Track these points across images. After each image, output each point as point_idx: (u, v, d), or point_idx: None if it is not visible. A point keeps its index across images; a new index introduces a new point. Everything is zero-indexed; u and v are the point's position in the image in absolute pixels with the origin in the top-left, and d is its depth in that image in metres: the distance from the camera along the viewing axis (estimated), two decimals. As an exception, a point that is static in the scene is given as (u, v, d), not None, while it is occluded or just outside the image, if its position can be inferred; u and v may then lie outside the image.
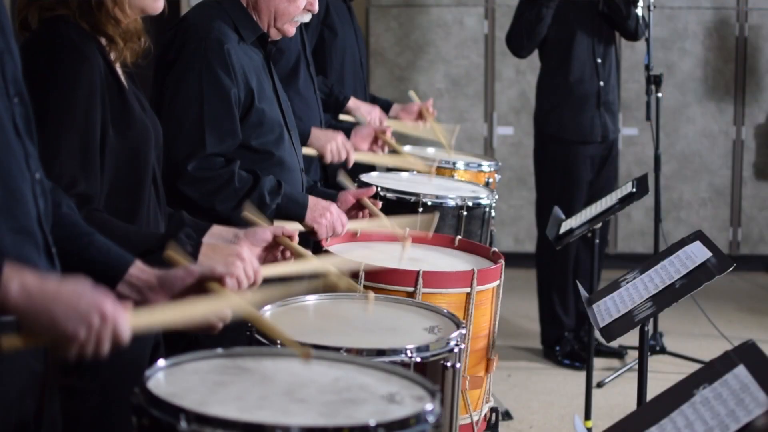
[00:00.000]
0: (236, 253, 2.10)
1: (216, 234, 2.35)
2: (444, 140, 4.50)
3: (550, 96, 5.21)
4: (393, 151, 4.08)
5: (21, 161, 1.66)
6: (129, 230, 2.10)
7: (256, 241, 2.36)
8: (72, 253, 1.85)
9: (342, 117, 4.28)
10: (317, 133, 3.58)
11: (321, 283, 2.29)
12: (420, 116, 4.64)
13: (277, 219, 2.83)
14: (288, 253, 2.42)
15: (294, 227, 2.56)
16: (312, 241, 2.96)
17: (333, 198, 3.05)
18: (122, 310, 1.59)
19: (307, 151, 3.50)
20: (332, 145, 3.56)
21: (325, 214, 2.86)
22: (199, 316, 1.79)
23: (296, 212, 2.84)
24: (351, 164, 3.66)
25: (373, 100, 4.70)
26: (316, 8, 3.00)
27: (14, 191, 1.64)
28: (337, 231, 2.88)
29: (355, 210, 3.08)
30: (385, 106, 4.68)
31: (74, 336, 1.53)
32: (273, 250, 2.42)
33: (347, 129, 3.93)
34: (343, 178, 3.28)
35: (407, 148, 4.43)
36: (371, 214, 3.05)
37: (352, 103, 4.27)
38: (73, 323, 1.53)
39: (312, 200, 2.87)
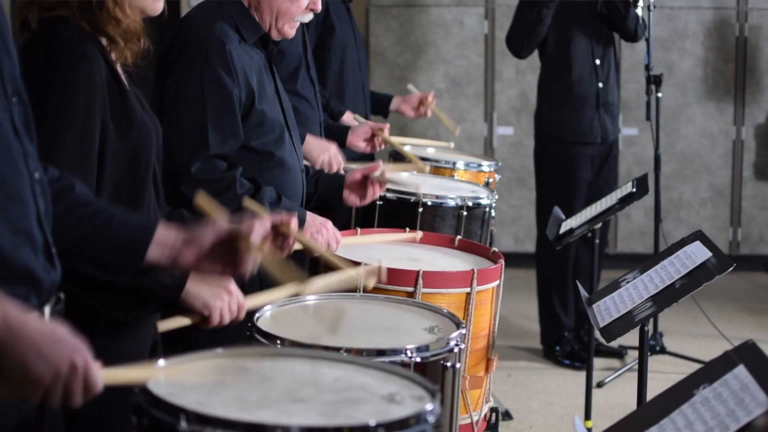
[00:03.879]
0: (224, 287, 2.12)
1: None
2: (448, 123, 4.52)
3: (550, 97, 5.21)
4: (393, 150, 4.09)
5: (19, 161, 1.66)
6: (132, 215, 2.11)
7: (259, 230, 2.34)
8: (97, 229, 1.86)
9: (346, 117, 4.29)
10: (312, 142, 3.59)
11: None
12: (421, 105, 4.65)
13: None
14: (288, 243, 2.40)
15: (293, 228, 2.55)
16: (309, 259, 2.96)
17: (344, 132, 3.08)
18: (94, 363, 1.57)
19: None
20: (324, 156, 3.57)
21: (321, 230, 2.89)
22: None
23: None
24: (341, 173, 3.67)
25: (373, 95, 4.71)
26: (319, 7, 3.00)
27: (11, 191, 1.63)
28: (331, 248, 2.89)
29: (362, 189, 3.08)
30: (385, 100, 4.68)
31: (40, 379, 1.51)
32: (274, 240, 2.39)
33: (345, 129, 3.95)
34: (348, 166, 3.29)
35: (407, 148, 4.44)
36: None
37: (347, 117, 4.27)
38: (41, 367, 1.51)
39: (309, 216, 2.90)
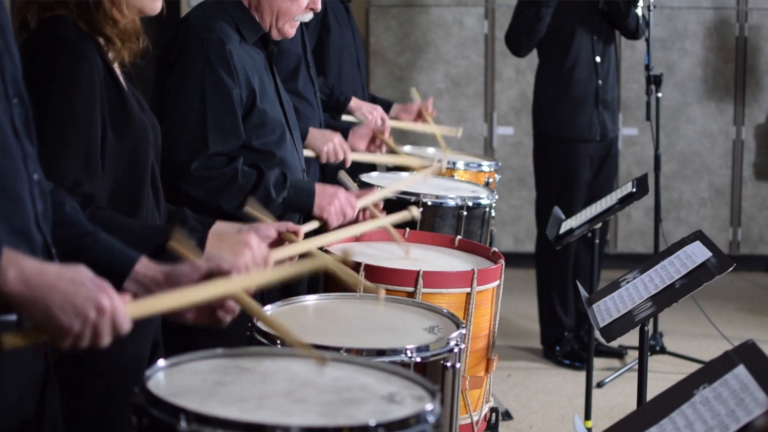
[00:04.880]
0: (244, 242, 2.09)
1: (219, 230, 2.34)
2: (441, 142, 4.50)
3: (549, 94, 5.21)
4: (392, 152, 4.07)
5: (19, 162, 1.66)
6: (135, 226, 2.09)
7: (260, 237, 2.35)
8: (77, 253, 1.84)
9: (343, 117, 4.28)
10: (315, 133, 3.57)
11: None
12: (419, 116, 4.63)
13: (285, 211, 2.80)
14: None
15: (302, 227, 2.54)
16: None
17: (345, 131, 3.11)
18: (120, 301, 1.58)
19: (304, 152, 3.50)
20: (329, 145, 3.54)
21: (333, 201, 2.80)
22: (200, 301, 1.77)
23: (304, 201, 2.81)
24: (348, 164, 3.66)
25: (373, 100, 4.70)
26: (319, 7, 2.99)
27: (10, 192, 1.63)
28: (347, 216, 2.84)
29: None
30: (386, 107, 4.67)
31: (69, 329, 1.53)
32: (277, 247, 2.40)
33: (345, 129, 3.93)
34: (343, 177, 3.27)
35: (407, 148, 4.44)
36: (372, 215, 3.01)
37: (354, 103, 4.26)
38: (69, 316, 1.52)
39: (319, 188, 2.83)
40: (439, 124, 4.80)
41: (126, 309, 1.59)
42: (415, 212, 2.42)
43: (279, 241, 2.40)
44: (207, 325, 1.86)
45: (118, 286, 1.83)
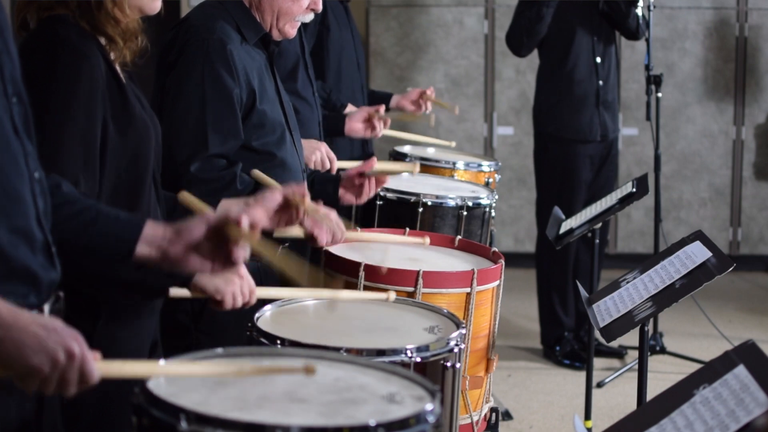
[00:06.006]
0: (234, 271, 2.10)
1: (226, 206, 2.33)
2: (447, 106, 4.56)
3: (550, 95, 5.21)
4: (395, 155, 4.10)
5: (20, 160, 1.66)
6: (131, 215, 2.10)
7: (268, 204, 2.33)
8: (83, 227, 1.84)
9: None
10: (302, 144, 3.59)
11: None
12: (420, 99, 4.66)
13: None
14: (300, 214, 2.37)
15: (295, 232, 2.54)
16: (310, 249, 2.94)
17: (341, 120, 3.23)
18: (90, 352, 1.56)
19: None
20: (316, 155, 3.55)
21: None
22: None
23: None
24: (334, 172, 3.66)
25: (372, 94, 4.71)
26: (320, 7, 3.00)
27: (11, 190, 1.64)
28: (336, 238, 2.85)
29: (359, 187, 3.01)
30: (385, 98, 4.68)
31: (38, 369, 1.51)
32: (287, 212, 2.37)
33: (342, 117, 3.98)
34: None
35: (407, 148, 4.44)
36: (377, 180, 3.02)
37: (349, 110, 4.28)
38: (39, 357, 1.51)
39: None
40: (438, 125, 4.81)
41: (95, 363, 1.57)
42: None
43: (287, 206, 2.35)
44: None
45: (130, 254, 1.82)
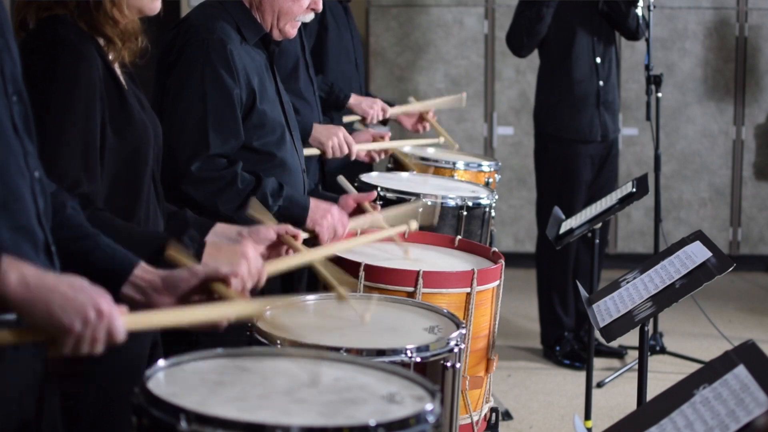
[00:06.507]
0: (241, 252, 2.09)
1: (219, 232, 2.34)
2: (448, 138, 4.52)
3: (550, 95, 5.21)
4: (395, 164, 4.09)
5: (20, 159, 1.66)
6: (133, 231, 2.09)
7: (260, 240, 2.35)
8: (77, 255, 1.85)
9: (345, 119, 4.29)
10: (319, 128, 3.59)
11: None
12: (420, 120, 4.65)
13: (279, 220, 2.82)
14: (291, 252, 2.42)
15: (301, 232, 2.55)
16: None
17: (334, 201, 3.02)
18: (118, 309, 1.60)
19: (307, 152, 3.50)
20: (333, 140, 3.56)
21: (326, 216, 2.82)
22: (195, 321, 1.78)
23: (297, 214, 2.83)
24: (353, 157, 3.67)
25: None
26: (320, 7, 3.00)
27: (12, 189, 1.64)
28: (338, 233, 2.86)
29: (356, 214, 3.05)
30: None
31: (70, 328, 1.54)
32: (277, 249, 2.41)
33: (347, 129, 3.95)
34: (342, 181, 3.27)
35: (407, 148, 4.44)
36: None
37: (353, 100, 4.28)
38: (70, 315, 1.54)
39: (313, 202, 2.85)
40: (442, 126, 4.81)
41: (122, 318, 1.60)
42: (414, 226, 2.54)
43: (278, 243, 2.40)
44: (203, 330, 1.86)
45: (117, 290, 1.84)
